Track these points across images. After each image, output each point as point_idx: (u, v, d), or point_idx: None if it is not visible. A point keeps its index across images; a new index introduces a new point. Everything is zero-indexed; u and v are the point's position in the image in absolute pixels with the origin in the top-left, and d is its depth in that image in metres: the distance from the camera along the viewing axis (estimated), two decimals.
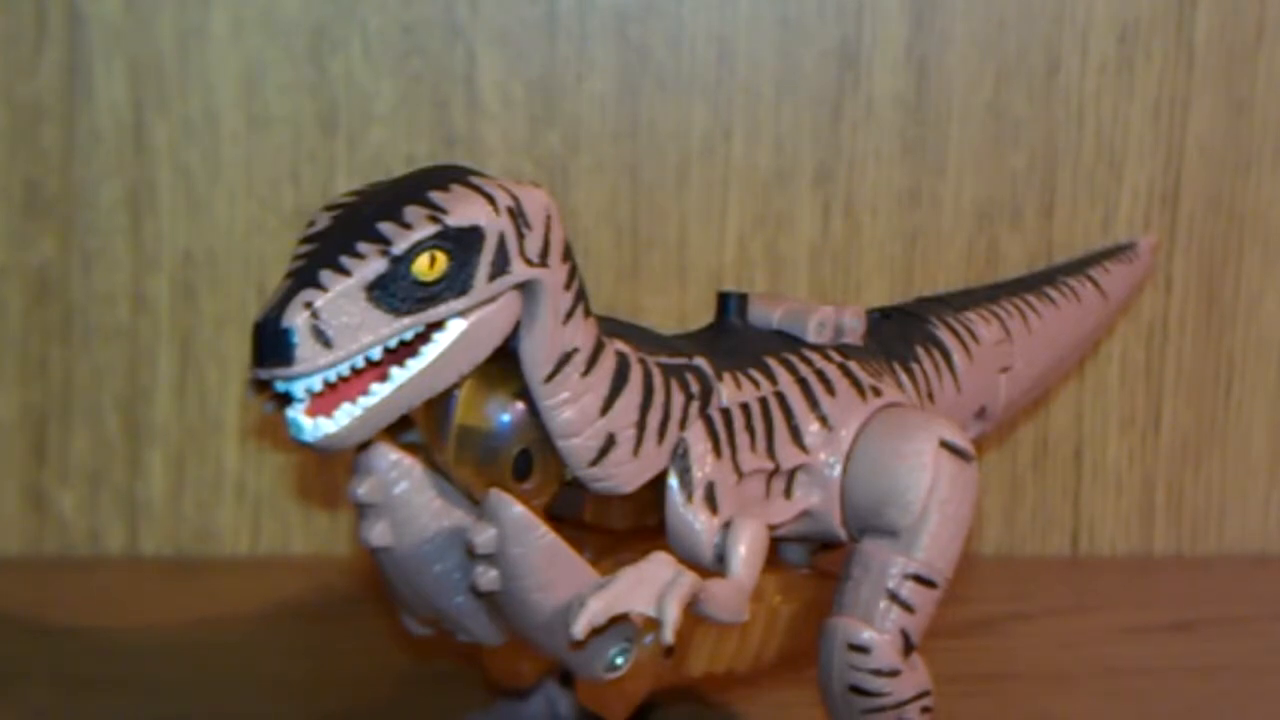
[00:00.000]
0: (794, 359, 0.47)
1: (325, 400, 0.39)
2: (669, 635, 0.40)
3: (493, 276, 0.40)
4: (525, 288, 0.41)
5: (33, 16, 0.63)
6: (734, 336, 0.48)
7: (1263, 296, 0.69)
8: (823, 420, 0.47)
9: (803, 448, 0.46)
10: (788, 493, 0.46)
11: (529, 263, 0.41)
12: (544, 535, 0.41)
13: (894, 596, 0.46)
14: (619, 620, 0.41)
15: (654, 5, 0.65)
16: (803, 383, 0.47)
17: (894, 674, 0.46)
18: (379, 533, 0.42)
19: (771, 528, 0.46)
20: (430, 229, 0.39)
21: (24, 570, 0.64)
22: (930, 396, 0.51)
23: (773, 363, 0.47)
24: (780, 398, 0.46)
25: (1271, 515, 0.71)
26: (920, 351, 0.51)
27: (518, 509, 0.41)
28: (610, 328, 0.44)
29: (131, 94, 0.64)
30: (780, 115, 0.66)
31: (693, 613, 0.42)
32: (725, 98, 0.66)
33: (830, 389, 0.47)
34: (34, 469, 0.65)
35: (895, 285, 0.67)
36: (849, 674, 0.46)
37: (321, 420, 0.39)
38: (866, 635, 0.46)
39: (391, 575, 0.43)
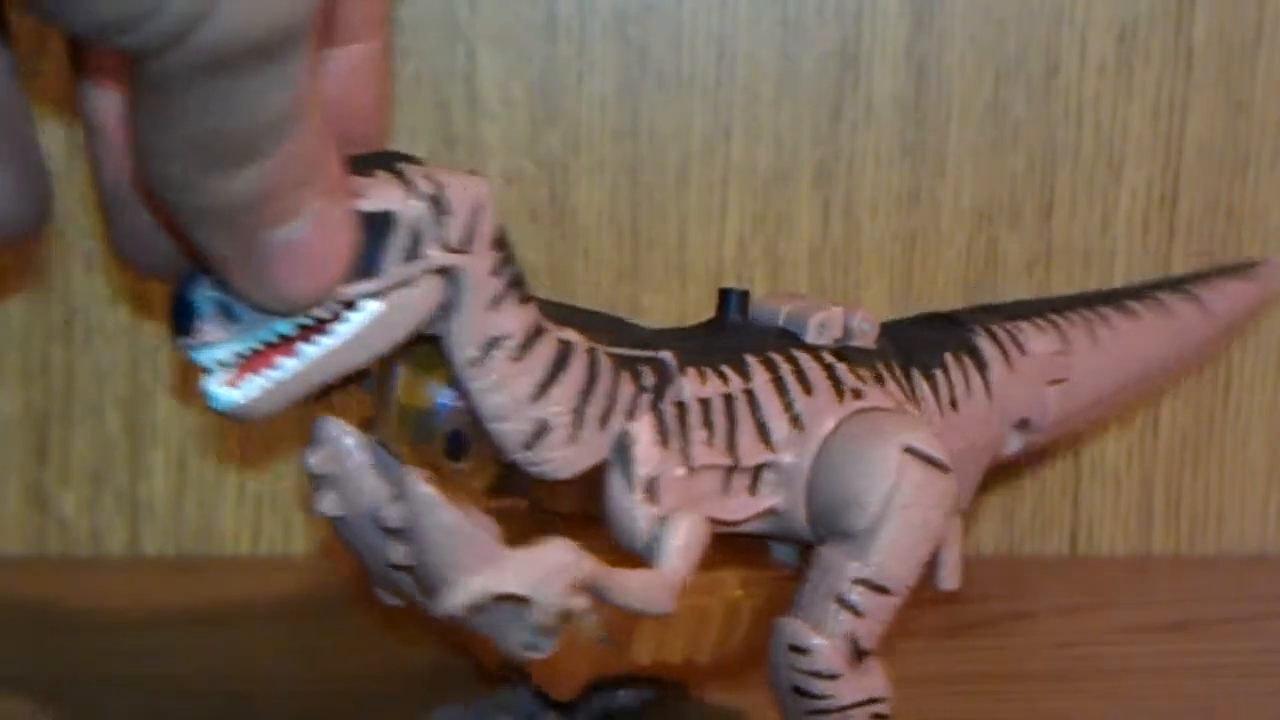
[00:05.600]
0: (779, 358, 0.47)
1: (237, 372, 0.40)
2: (542, 617, 0.41)
3: (404, 261, 0.41)
4: (447, 274, 0.42)
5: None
6: (728, 333, 0.48)
7: None
8: (795, 420, 0.46)
9: (769, 445, 0.46)
10: (753, 489, 0.46)
11: (447, 249, 0.41)
12: (450, 514, 0.42)
13: (843, 601, 0.45)
14: (519, 600, 0.41)
15: (654, 5, 0.66)
16: (779, 381, 0.47)
17: (833, 678, 0.45)
18: (329, 503, 0.43)
19: (733, 523, 0.46)
20: None
21: (26, 570, 0.64)
22: (954, 405, 0.50)
23: (753, 360, 0.47)
24: (749, 394, 0.46)
25: (1270, 515, 0.71)
26: (949, 359, 0.51)
27: (424, 488, 0.42)
28: (571, 317, 0.45)
29: None
30: (780, 115, 0.66)
31: (604, 601, 0.42)
32: (725, 98, 0.66)
33: (808, 389, 0.47)
34: (36, 469, 0.65)
35: (895, 285, 0.67)
36: (790, 674, 0.46)
37: (231, 390, 0.40)
38: (806, 637, 0.45)
39: (348, 545, 0.44)
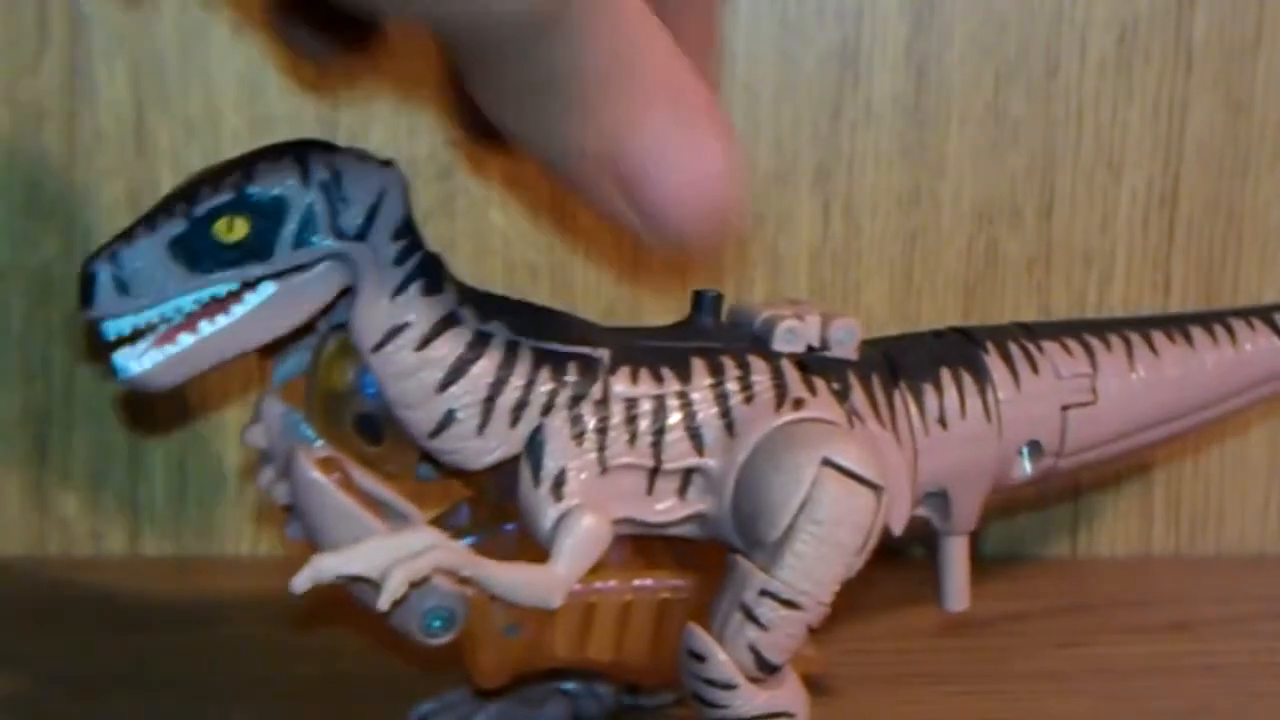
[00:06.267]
0: (729, 363, 0.47)
1: (139, 345, 0.43)
2: (382, 601, 0.42)
3: (297, 245, 0.43)
4: (343, 260, 0.43)
5: (35, 17, 0.63)
6: (692, 335, 0.48)
7: (1261, 297, 0.69)
8: (729, 426, 0.46)
9: (700, 450, 0.46)
10: (681, 493, 0.46)
11: (340, 236, 0.43)
12: (332, 497, 0.44)
13: (748, 612, 0.45)
14: (415, 586, 0.43)
15: None
16: (719, 387, 0.47)
17: (729, 687, 0.45)
18: (267, 478, 0.46)
19: (659, 525, 0.46)
20: (228, 195, 0.42)
21: (26, 570, 0.64)
22: (943, 422, 0.50)
23: (699, 363, 0.47)
24: (683, 397, 0.46)
25: (1269, 515, 0.71)
26: (945, 375, 0.50)
27: (304, 467, 0.44)
28: (507, 309, 0.46)
29: (133, 94, 0.64)
30: (780, 115, 0.66)
31: (484, 590, 0.44)
32: (725, 98, 0.66)
33: (749, 397, 0.46)
34: (36, 469, 0.65)
35: (895, 285, 0.67)
36: (691, 681, 0.46)
37: (132, 361, 0.43)
38: (706, 645, 0.45)
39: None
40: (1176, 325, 0.55)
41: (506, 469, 0.45)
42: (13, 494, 0.65)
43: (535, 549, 0.45)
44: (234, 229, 0.42)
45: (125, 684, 0.54)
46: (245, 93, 0.64)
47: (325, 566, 0.42)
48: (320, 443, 0.45)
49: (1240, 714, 0.55)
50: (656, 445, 0.46)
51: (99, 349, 0.43)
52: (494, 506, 0.47)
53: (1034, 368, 0.52)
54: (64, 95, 0.64)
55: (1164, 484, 0.70)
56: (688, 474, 0.46)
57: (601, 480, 0.45)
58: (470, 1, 0.34)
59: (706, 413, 0.46)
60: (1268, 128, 0.69)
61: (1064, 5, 0.67)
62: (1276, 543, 0.71)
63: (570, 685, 0.51)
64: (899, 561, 0.62)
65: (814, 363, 0.48)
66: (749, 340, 0.48)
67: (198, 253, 0.42)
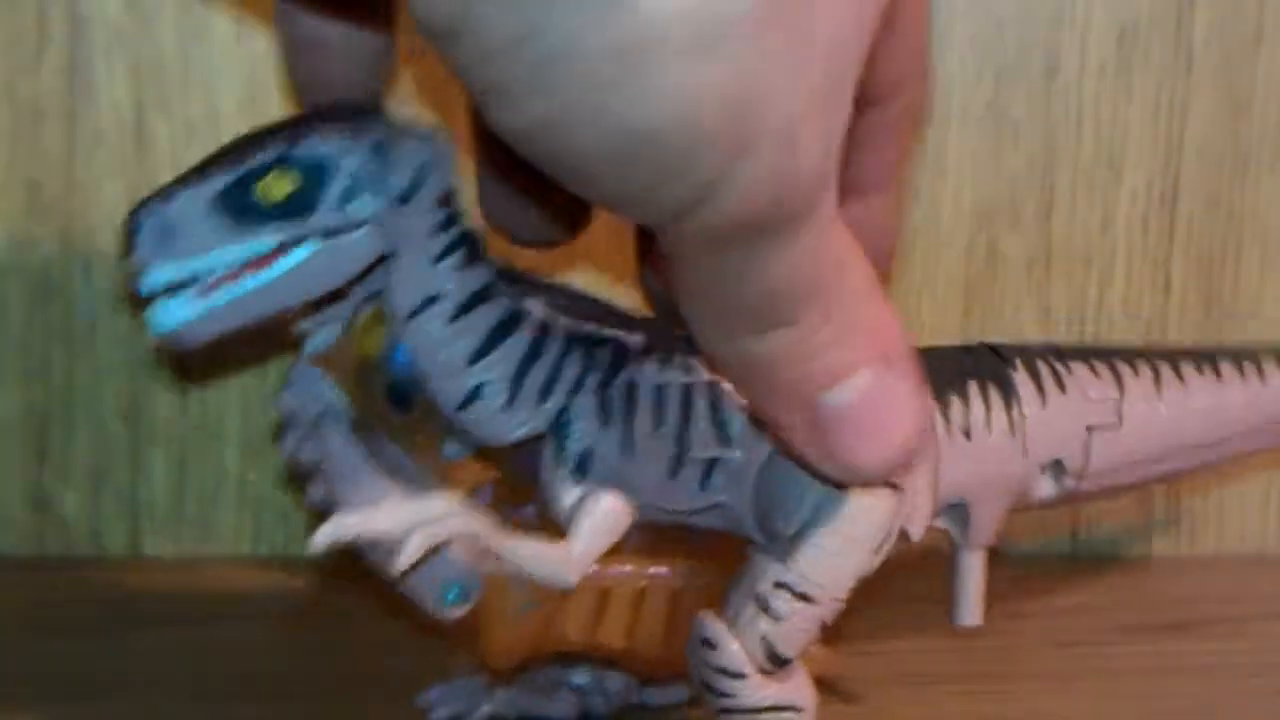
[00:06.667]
0: None
1: (177, 299, 0.42)
2: (399, 562, 0.42)
3: (341, 206, 0.42)
4: (385, 225, 0.43)
5: (34, 17, 0.63)
6: None
7: (1261, 297, 0.69)
8: (755, 419, 0.46)
9: (724, 441, 0.46)
10: (704, 483, 0.46)
11: (385, 199, 0.43)
12: (359, 463, 0.44)
13: (762, 603, 0.45)
14: (433, 555, 0.43)
15: None
16: None
17: (739, 677, 0.45)
18: (290, 444, 0.46)
19: (681, 513, 0.46)
20: (276, 152, 0.42)
21: (26, 570, 0.64)
22: (966, 434, 0.50)
23: None
24: (711, 387, 0.46)
25: (1270, 515, 0.71)
26: (972, 387, 0.50)
27: (337, 438, 0.44)
28: (549, 292, 0.46)
29: (133, 94, 0.64)
30: None
31: (501, 562, 0.44)
32: None
33: None
34: (36, 469, 0.65)
35: (895, 285, 0.67)
36: (699, 668, 0.46)
37: (168, 315, 0.42)
38: (718, 634, 0.45)
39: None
40: (1206, 358, 0.55)
41: (530, 448, 0.45)
42: (13, 494, 0.65)
43: (555, 532, 0.45)
44: (280, 186, 0.42)
45: (125, 684, 0.54)
46: (246, 93, 0.64)
47: (347, 524, 0.42)
48: (351, 410, 0.45)
49: (1240, 714, 0.55)
50: (681, 433, 0.46)
51: (135, 304, 0.43)
52: (517, 488, 0.47)
53: (1061, 387, 0.52)
54: (63, 95, 0.64)
55: (1164, 484, 0.70)
56: (711, 464, 0.46)
57: (625, 464, 0.45)
58: (684, 209, 0.33)
59: (733, 405, 0.46)
60: (1268, 128, 0.69)
61: (1064, 5, 0.67)
62: (1276, 543, 0.71)
63: (579, 680, 0.51)
64: (900, 562, 0.62)
65: None
66: None
67: (242, 208, 0.42)
